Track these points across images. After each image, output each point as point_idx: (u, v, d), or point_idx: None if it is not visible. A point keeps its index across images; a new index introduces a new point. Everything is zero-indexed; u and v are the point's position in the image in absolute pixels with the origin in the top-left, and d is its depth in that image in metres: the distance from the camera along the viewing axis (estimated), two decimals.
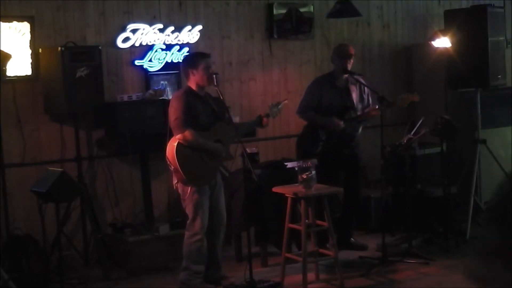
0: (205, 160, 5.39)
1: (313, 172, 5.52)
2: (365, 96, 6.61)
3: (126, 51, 6.63)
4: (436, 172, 6.84)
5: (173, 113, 5.36)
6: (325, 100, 6.45)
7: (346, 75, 6.50)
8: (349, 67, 6.48)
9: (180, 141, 5.30)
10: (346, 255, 6.27)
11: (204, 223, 5.43)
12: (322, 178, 5.81)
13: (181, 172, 5.29)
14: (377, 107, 6.36)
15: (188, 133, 5.29)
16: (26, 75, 6.14)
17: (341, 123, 6.35)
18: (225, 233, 5.77)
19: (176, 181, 5.45)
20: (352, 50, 6.53)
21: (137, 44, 6.65)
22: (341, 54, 6.49)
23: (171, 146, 5.33)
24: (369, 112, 6.49)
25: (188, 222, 5.48)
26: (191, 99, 5.40)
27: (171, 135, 5.40)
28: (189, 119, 5.32)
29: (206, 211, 5.44)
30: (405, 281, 5.69)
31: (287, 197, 5.62)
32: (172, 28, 6.80)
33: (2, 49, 5.79)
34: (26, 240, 5.85)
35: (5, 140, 5.96)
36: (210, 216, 5.51)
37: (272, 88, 7.58)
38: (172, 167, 5.35)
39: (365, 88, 6.59)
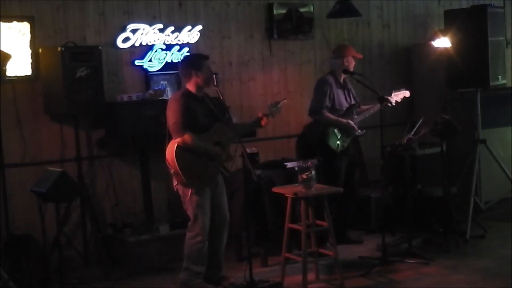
0: (205, 162, 5.38)
1: (313, 172, 5.52)
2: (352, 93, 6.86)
3: (126, 51, 6.63)
4: (436, 172, 6.84)
5: (171, 116, 5.35)
6: (336, 99, 6.59)
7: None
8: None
9: (179, 144, 5.30)
10: (346, 255, 6.27)
11: (205, 224, 5.43)
12: (332, 177, 5.91)
13: (181, 175, 5.28)
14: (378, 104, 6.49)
15: (187, 137, 5.28)
16: (26, 75, 6.14)
17: (357, 127, 6.58)
18: (228, 233, 5.77)
19: (176, 183, 5.45)
20: None
21: (137, 44, 6.65)
22: (351, 53, 6.68)
23: (171, 149, 5.32)
24: (371, 112, 6.68)
25: (189, 223, 5.48)
26: (189, 101, 5.39)
27: (170, 138, 5.40)
28: (188, 122, 5.31)
29: (207, 212, 5.44)
30: (405, 281, 5.69)
31: (287, 197, 5.62)
32: (172, 28, 6.80)
33: (2, 49, 5.79)
34: (26, 240, 5.85)
35: (5, 140, 5.96)
36: (213, 216, 5.50)
37: (272, 88, 7.58)
38: (172, 170, 5.35)
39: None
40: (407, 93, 6.74)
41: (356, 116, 6.63)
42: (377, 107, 6.57)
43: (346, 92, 6.71)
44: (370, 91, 6.42)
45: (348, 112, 6.63)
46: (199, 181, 5.39)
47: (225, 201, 5.67)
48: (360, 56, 6.92)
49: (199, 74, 5.43)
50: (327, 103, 6.53)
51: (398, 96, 6.66)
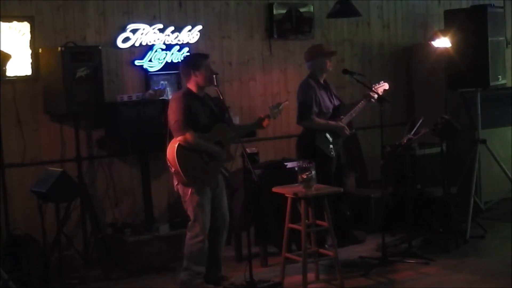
0: (205, 161, 5.38)
1: (313, 172, 5.52)
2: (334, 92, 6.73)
3: (126, 51, 6.63)
4: (436, 172, 6.84)
5: (173, 115, 5.35)
6: (321, 102, 6.49)
7: (324, 74, 6.56)
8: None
9: (181, 143, 5.30)
10: (346, 255, 6.27)
11: (205, 224, 5.43)
12: (324, 180, 5.88)
13: (181, 174, 5.28)
14: (362, 101, 6.49)
15: (189, 135, 5.29)
16: (26, 75, 6.14)
17: (347, 129, 6.48)
18: (227, 233, 5.78)
19: (176, 183, 5.45)
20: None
21: (137, 44, 6.65)
22: (328, 56, 6.54)
23: (172, 148, 5.33)
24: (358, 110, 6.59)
25: (189, 223, 5.48)
26: (190, 100, 5.40)
27: (171, 137, 5.40)
28: (189, 121, 5.31)
29: (207, 212, 5.44)
30: (405, 281, 5.69)
31: (287, 197, 5.63)
32: (172, 28, 6.80)
33: (2, 49, 5.79)
34: (26, 240, 5.85)
35: (5, 140, 5.96)
36: (212, 216, 5.50)
37: (272, 88, 7.58)
38: (173, 169, 5.35)
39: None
40: (386, 86, 6.57)
41: (343, 117, 6.50)
42: (362, 104, 6.50)
43: (329, 93, 6.58)
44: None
45: (335, 114, 6.52)
46: (200, 181, 5.39)
47: (225, 201, 5.68)
48: (330, 50, 6.68)
49: (197, 73, 5.44)
50: (315, 108, 6.41)
51: (378, 89, 6.47)
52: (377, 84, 6.57)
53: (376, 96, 6.35)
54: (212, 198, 5.50)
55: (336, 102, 6.62)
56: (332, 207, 6.46)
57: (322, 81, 6.57)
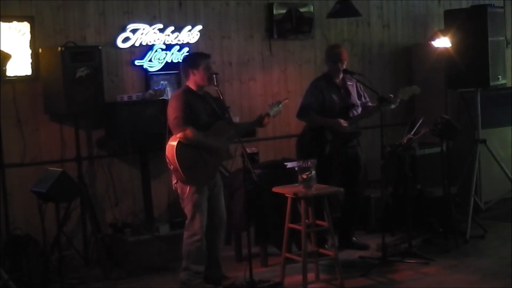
0: (205, 159, 5.39)
1: (313, 172, 5.52)
2: (362, 93, 6.63)
3: (126, 51, 6.64)
4: (436, 172, 6.84)
5: (172, 112, 5.36)
6: (327, 101, 6.44)
7: (338, 76, 6.50)
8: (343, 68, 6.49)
9: (181, 139, 5.30)
10: (346, 255, 6.28)
11: (203, 223, 5.43)
12: (324, 179, 5.85)
13: (180, 171, 5.29)
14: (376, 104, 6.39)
15: (189, 131, 5.29)
16: (26, 75, 6.14)
17: (347, 124, 6.36)
18: (225, 233, 5.78)
19: (175, 181, 5.45)
20: (345, 54, 6.52)
21: (137, 44, 6.65)
22: (335, 59, 6.47)
23: (171, 145, 5.33)
24: (370, 111, 6.52)
25: (186, 222, 5.48)
26: (190, 98, 5.41)
27: (170, 135, 5.40)
28: (189, 118, 5.32)
29: (204, 211, 5.44)
30: (405, 281, 5.69)
31: (287, 197, 5.63)
32: (172, 28, 6.81)
33: (2, 49, 5.79)
34: (26, 240, 5.85)
35: (5, 140, 5.96)
36: (210, 216, 5.50)
37: (272, 88, 7.58)
38: (172, 167, 5.35)
39: (360, 84, 6.59)
40: (417, 90, 6.46)
41: (351, 116, 6.43)
42: (377, 107, 6.45)
43: (343, 92, 6.48)
44: (369, 91, 6.41)
45: (342, 112, 6.44)
46: (198, 178, 5.39)
47: (222, 201, 5.68)
48: (338, 57, 6.44)
49: (195, 72, 5.45)
50: (314, 105, 6.37)
51: (405, 94, 6.40)
52: (404, 88, 6.43)
53: (397, 102, 6.30)
54: (209, 197, 5.50)
55: (355, 101, 6.50)
56: (338, 207, 6.46)
57: (337, 81, 6.48)
